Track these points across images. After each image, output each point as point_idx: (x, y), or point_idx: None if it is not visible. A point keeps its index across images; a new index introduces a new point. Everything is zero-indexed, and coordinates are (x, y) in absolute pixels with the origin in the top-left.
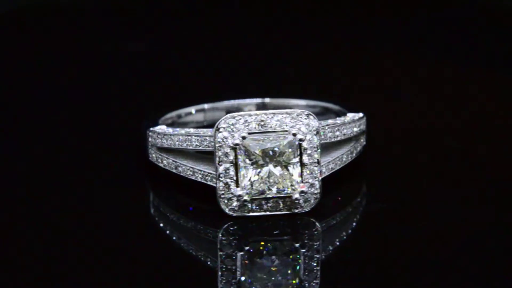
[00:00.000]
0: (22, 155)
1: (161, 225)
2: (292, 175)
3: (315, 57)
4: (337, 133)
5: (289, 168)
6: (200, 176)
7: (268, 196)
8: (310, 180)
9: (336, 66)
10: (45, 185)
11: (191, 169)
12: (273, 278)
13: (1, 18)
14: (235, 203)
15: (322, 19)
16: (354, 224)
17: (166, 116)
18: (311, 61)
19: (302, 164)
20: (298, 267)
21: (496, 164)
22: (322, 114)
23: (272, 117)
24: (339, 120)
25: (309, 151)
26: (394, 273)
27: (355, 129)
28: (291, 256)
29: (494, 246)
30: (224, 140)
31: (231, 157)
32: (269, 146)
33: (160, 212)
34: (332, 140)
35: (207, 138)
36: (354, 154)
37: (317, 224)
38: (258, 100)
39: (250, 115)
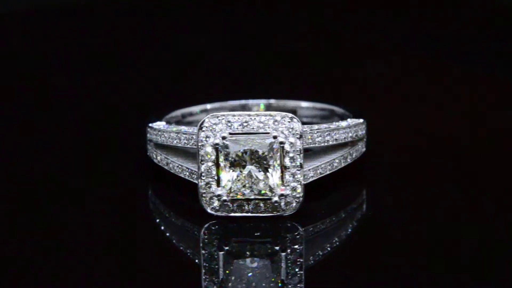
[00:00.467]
0: (44, 148)
1: (153, 220)
2: (273, 178)
3: (326, 59)
4: (328, 137)
5: (270, 170)
6: (188, 173)
7: (249, 197)
8: (292, 184)
9: (348, 69)
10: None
11: (180, 166)
12: (253, 280)
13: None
14: (216, 203)
15: (338, 21)
16: (345, 229)
17: (171, 115)
18: (322, 63)
19: (284, 167)
20: (278, 271)
21: (499, 171)
22: (326, 117)
23: (254, 118)
24: (333, 125)
25: (291, 154)
26: (381, 280)
27: (350, 135)
28: (271, 259)
29: (494, 260)
30: (206, 139)
31: (213, 157)
32: (249, 148)
33: (154, 207)
34: (322, 144)
35: (193, 136)
36: (348, 160)
37: (299, 228)
38: (263, 101)
39: (233, 116)
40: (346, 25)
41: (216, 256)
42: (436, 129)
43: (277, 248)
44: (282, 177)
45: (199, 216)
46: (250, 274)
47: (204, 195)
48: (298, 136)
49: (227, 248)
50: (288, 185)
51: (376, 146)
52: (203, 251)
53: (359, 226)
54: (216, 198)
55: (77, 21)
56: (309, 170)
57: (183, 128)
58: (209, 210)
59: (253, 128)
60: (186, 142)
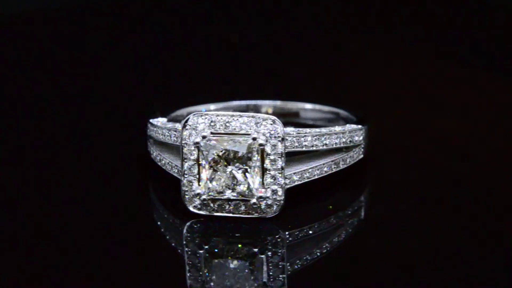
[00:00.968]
0: (45, 143)
1: (144, 215)
2: (253, 179)
3: (339, 62)
4: (317, 142)
5: (250, 172)
6: (176, 171)
7: (230, 197)
8: (273, 187)
9: (358, 72)
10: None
11: (170, 163)
12: (233, 282)
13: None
14: (197, 202)
15: (350, 22)
16: (333, 236)
17: (176, 113)
18: (333, 66)
19: (264, 169)
20: (259, 273)
21: (500, 176)
22: (331, 120)
23: (237, 119)
24: (324, 130)
25: (272, 157)
26: None
27: (343, 140)
28: (250, 261)
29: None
30: (189, 137)
31: (195, 155)
32: (229, 148)
33: (148, 202)
34: (311, 149)
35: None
36: (341, 166)
37: (280, 231)
38: (269, 102)
39: (217, 115)
40: (359, 27)
41: (197, 255)
42: (447, 138)
43: (255, 249)
44: (262, 179)
45: (183, 214)
46: (230, 274)
47: (186, 193)
48: (279, 139)
49: (206, 247)
50: (268, 188)
51: (378, 151)
52: (186, 249)
53: (347, 233)
54: (197, 197)
55: (85, 19)
56: (294, 173)
57: (175, 125)
58: (191, 209)
59: (234, 129)
60: (175, 139)
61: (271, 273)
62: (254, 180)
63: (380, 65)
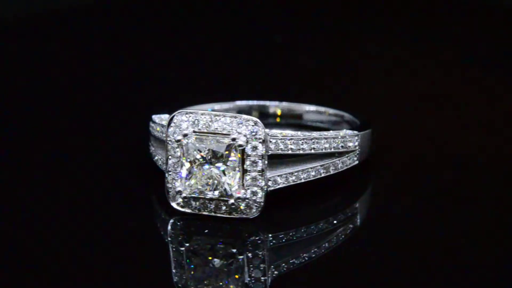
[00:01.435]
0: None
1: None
2: (233, 180)
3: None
4: (304, 146)
5: (230, 172)
6: (165, 168)
7: (211, 197)
8: (253, 188)
9: (369, 75)
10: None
11: (162, 159)
12: (212, 280)
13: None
14: (180, 199)
15: (362, 24)
16: (325, 241)
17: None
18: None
19: (245, 170)
20: (236, 274)
21: (503, 183)
22: (336, 122)
23: (220, 119)
24: (314, 134)
25: (252, 158)
26: None
27: (334, 145)
28: (230, 260)
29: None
30: (173, 135)
31: (178, 153)
32: (209, 147)
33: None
34: (297, 152)
35: None
36: (331, 171)
37: (260, 233)
38: (276, 103)
39: (202, 114)
40: (370, 31)
41: (180, 252)
42: (449, 142)
43: (234, 250)
44: (242, 180)
45: (171, 211)
46: (209, 274)
47: (170, 190)
48: (260, 140)
49: (187, 244)
50: (248, 189)
51: (381, 156)
52: (171, 245)
53: (338, 239)
54: (178, 194)
55: (98, 16)
56: (279, 176)
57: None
58: (174, 206)
59: (216, 128)
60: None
61: (252, 275)
62: (233, 180)
63: (393, 69)
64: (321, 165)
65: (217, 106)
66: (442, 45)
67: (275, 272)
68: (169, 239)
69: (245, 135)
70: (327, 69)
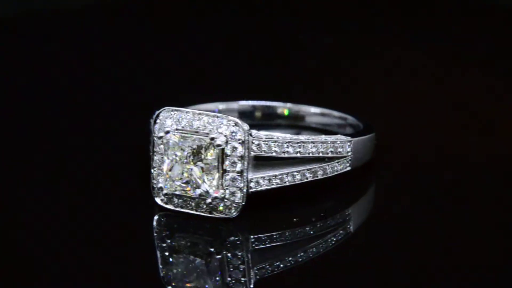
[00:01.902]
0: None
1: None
2: (212, 179)
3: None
4: (289, 149)
5: (210, 171)
6: (151, 163)
7: (191, 195)
8: (231, 189)
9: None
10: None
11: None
12: (191, 277)
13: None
14: (162, 195)
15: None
16: (312, 246)
17: None
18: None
19: (224, 171)
20: (213, 273)
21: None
22: (340, 125)
23: (202, 118)
24: (302, 138)
25: (231, 159)
26: None
27: (322, 150)
28: (209, 259)
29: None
30: (157, 132)
31: (162, 150)
32: (189, 146)
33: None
34: (282, 155)
35: None
36: (318, 176)
37: (239, 234)
38: (281, 104)
39: (187, 113)
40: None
41: (163, 249)
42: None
43: (212, 249)
44: (222, 181)
45: (155, 207)
46: (187, 272)
47: (154, 186)
48: (240, 141)
49: (169, 241)
50: (226, 189)
51: (380, 156)
52: (157, 241)
53: (327, 244)
54: (160, 190)
55: (101, 16)
56: (262, 178)
57: None
58: (158, 201)
59: (198, 127)
60: None
61: (232, 275)
62: (211, 180)
63: (393, 69)
64: (307, 169)
65: (221, 105)
66: (442, 45)
67: (258, 275)
68: (155, 235)
69: (225, 135)
70: (327, 69)
